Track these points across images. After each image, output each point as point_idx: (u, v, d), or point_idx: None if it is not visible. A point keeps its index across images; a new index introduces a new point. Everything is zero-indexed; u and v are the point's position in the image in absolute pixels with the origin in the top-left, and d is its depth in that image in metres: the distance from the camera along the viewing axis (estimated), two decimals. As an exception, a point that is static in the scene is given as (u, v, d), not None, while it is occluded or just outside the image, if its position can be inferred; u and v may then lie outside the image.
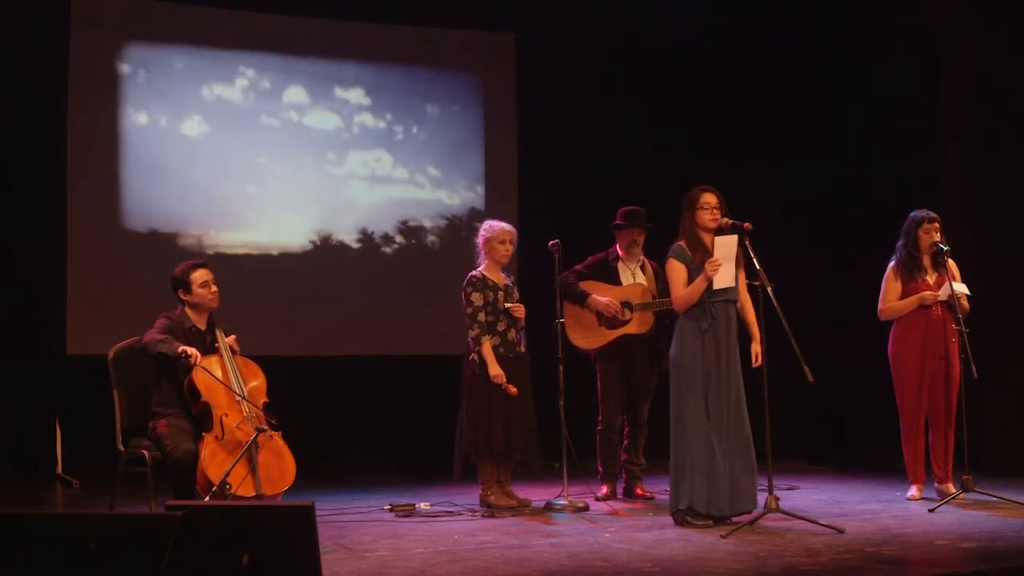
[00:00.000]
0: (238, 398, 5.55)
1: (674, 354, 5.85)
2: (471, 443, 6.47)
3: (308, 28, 8.90)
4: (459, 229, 9.09)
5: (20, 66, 7.95)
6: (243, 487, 5.26)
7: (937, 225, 6.61)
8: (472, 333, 6.48)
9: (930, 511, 6.09)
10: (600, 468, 7.00)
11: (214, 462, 5.33)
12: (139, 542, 3.39)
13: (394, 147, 9.09)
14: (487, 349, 6.43)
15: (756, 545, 5.13)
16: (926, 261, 6.66)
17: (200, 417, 5.56)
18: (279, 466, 5.51)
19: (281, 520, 3.70)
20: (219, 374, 5.59)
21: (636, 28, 9.18)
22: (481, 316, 6.47)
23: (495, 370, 6.40)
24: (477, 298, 6.48)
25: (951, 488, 6.50)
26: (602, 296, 6.84)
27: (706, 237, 5.85)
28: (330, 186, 8.91)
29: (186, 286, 5.77)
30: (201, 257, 6.34)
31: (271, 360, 6.13)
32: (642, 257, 7.01)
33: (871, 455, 8.53)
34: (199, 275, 5.78)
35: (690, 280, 5.79)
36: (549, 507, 6.46)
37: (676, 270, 5.84)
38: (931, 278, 6.63)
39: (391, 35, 9.12)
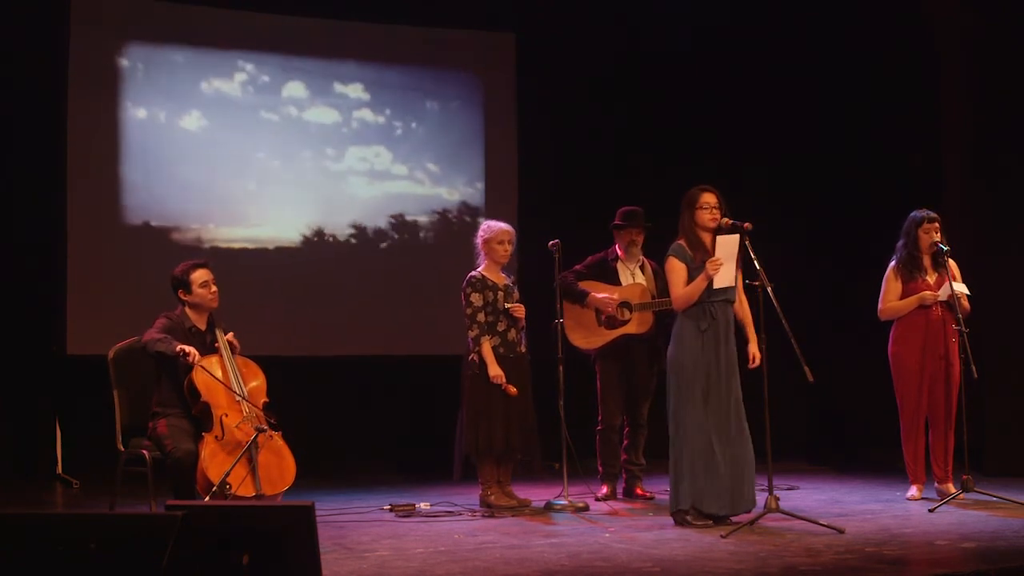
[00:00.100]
0: (238, 398, 5.55)
1: (673, 354, 5.84)
2: (471, 443, 6.47)
3: (308, 28, 8.90)
4: (460, 229, 9.09)
5: (20, 66, 7.95)
6: (243, 487, 5.26)
7: (937, 225, 6.61)
8: (472, 333, 6.48)
9: (930, 511, 6.08)
10: (600, 468, 7.00)
11: (214, 462, 5.33)
12: (139, 542, 3.39)
13: (394, 145, 9.09)
14: (487, 349, 6.43)
15: (756, 545, 5.13)
16: (926, 261, 6.66)
17: (200, 417, 5.56)
18: (279, 466, 5.51)
19: (281, 520, 3.70)
20: (219, 374, 5.59)
21: (636, 28, 9.18)
22: (480, 316, 6.47)
23: (495, 370, 6.40)
24: (476, 299, 6.48)
25: (951, 488, 6.50)
26: (600, 295, 6.84)
27: (705, 237, 5.85)
28: (329, 182, 8.92)
29: (186, 286, 5.77)
30: (201, 256, 6.34)
31: (271, 360, 6.13)
32: (641, 257, 7.01)
33: (871, 455, 8.53)
34: (199, 275, 5.78)
35: (690, 279, 5.79)
36: (549, 507, 6.46)
37: (676, 269, 5.83)
38: (931, 278, 6.63)
39: (391, 35, 9.12)
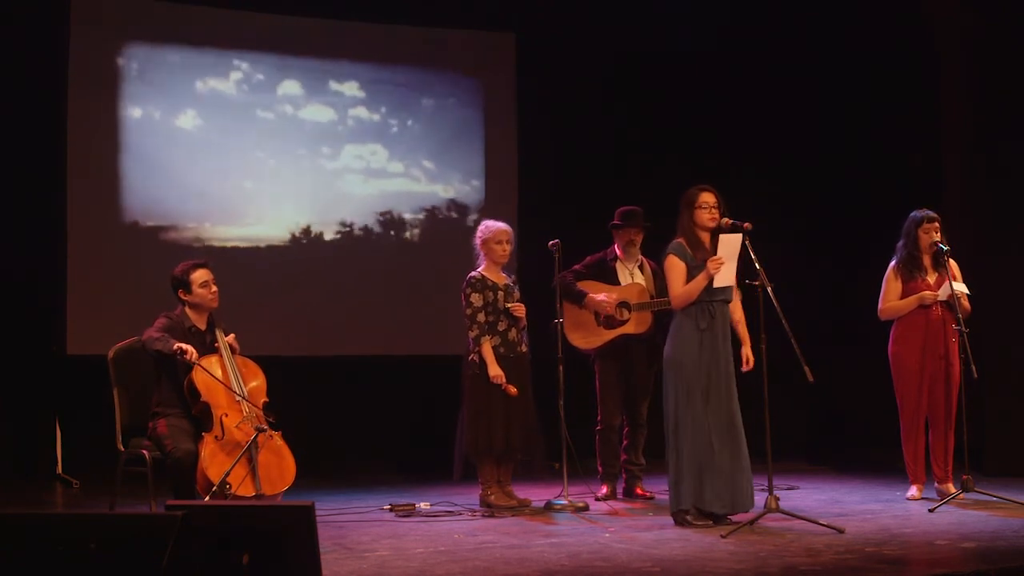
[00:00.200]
0: (238, 398, 5.55)
1: (671, 353, 5.83)
2: (471, 443, 6.47)
3: (308, 28, 8.90)
4: (460, 229, 9.08)
5: (20, 66, 7.95)
6: (243, 487, 5.25)
7: (937, 225, 6.61)
8: (472, 334, 6.48)
9: (930, 511, 6.08)
10: (600, 468, 7.00)
11: (214, 462, 5.32)
12: (139, 542, 3.39)
13: (393, 144, 9.09)
14: (487, 349, 6.44)
15: (756, 545, 5.13)
16: (926, 261, 6.66)
17: (200, 417, 5.56)
18: (279, 466, 5.51)
19: (281, 520, 3.70)
20: (219, 374, 5.59)
21: (636, 28, 9.18)
22: (480, 317, 6.47)
23: (495, 370, 6.40)
24: (476, 299, 6.48)
25: (951, 488, 6.50)
26: (599, 295, 6.85)
27: (704, 236, 5.85)
28: (327, 181, 8.91)
29: (186, 286, 5.77)
30: (201, 254, 6.34)
31: (271, 360, 6.13)
32: (640, 257, 7.01)
33: (871, 455, 8.52)
34: (199, 275, 5.78)
35: (689, 278, 5.79)
36: (549, 507, 6.46)
37: (676, 267, 5.82)
38: (931, 278, 6.63)
39: (391, 35, 9.12)
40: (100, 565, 3.35)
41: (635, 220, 6.95)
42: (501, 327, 6.51)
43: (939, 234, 6.60)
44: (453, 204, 9.23)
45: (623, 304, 6.87)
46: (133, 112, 8.35)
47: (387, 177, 9.08)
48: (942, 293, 6.52)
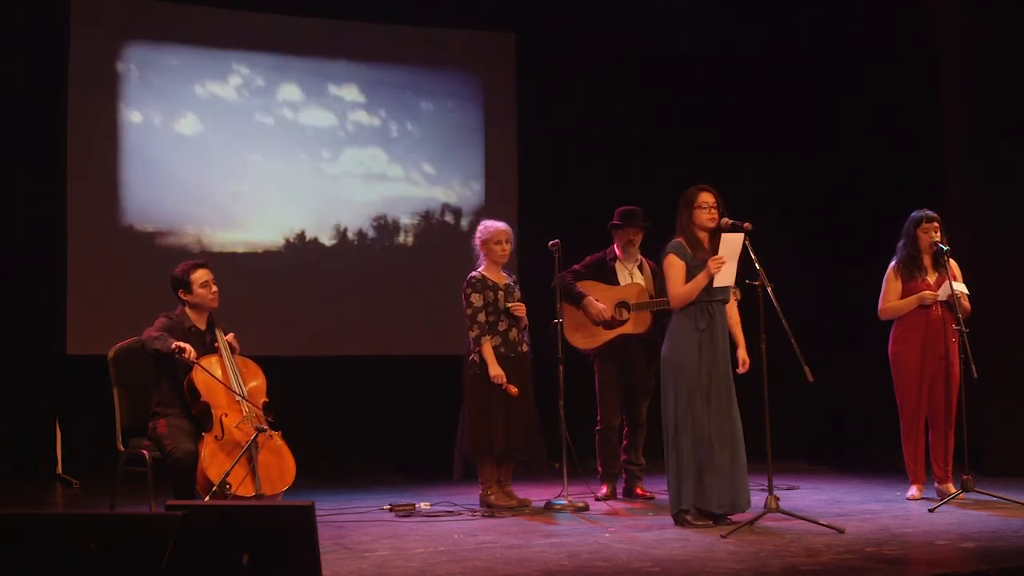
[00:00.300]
0: (238, 398, 5.55)
1: (669, 353, 5.82)
2: (471, 443, 6.47)
3: (308, 28, 8.90)
4: (459, 229, 9.09)
5: (20, 66, 7.95)
6: (243, 487, 5.25)
7: (936, 224, 6.61)
8: (472, 334, 6.49)
9: (930, 511, 6.08)
10: (600, 468, 7.00)
11: (214, 462, 5.32)
12: (139, 542, 3.39)
13: (392, 145, 9.08)
14: (487, 349, 6.44)
15: (756, 545, 5.13)
16: (926, 261, 6.66)
17: (200, 417, 5.55)
18: (279, 466, 5.51)
19: (281, 520, 3.70)
20: (219, 374, 5.59)
21: (636, 28, 9.18)
22: (481, 317, 6.47)
23: (495, 370, 6.40)
24: (476, 299, 6.48)
25: (951, 488, 6.50)
26: (599, 296, 6.85)
27: (703, 236, 5.85)
28: (328, 184, 8.90)
29: (186, 286, 5.77)
30: (201, 256, 6.34)
31: (271, 360, 6.13)
32: (640, 257, 7.01)
33: (871, 455, 8.52)
34: (200, 275, 5.78)
35: (689, 278, 5.78)
36: (549, 507, 6.46)
37: (676, 266, 5.81)
38: (931, 278, 6.63)
39: (391, 35, 9.12)
40: (100, 565, 3.35)
41: (634, 220, 6.95)
42: (502, 327, 6.51)
43: (939, 234, 6.60)
44: (453, 204, 9.23)
45: (622, 304, 6.87)
46: (133, 112, 8.35)
47: (387, 178, 9.07)
48: (942, 293, 6.52)
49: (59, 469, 7.96)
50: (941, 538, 5.31)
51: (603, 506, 6.60)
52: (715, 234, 5.84)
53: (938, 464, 6.62)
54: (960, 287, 6.51)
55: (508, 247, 6.57)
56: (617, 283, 6.94)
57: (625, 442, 7.00)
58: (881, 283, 6.75)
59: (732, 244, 5.67)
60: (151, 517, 4.03)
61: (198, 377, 5.52)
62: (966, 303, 6.53)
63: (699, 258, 5.79)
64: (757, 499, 5.92)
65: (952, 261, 6.60)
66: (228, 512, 3.91)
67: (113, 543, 3.37)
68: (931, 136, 8.63)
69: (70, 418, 8.03)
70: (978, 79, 8.23)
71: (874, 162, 9.12)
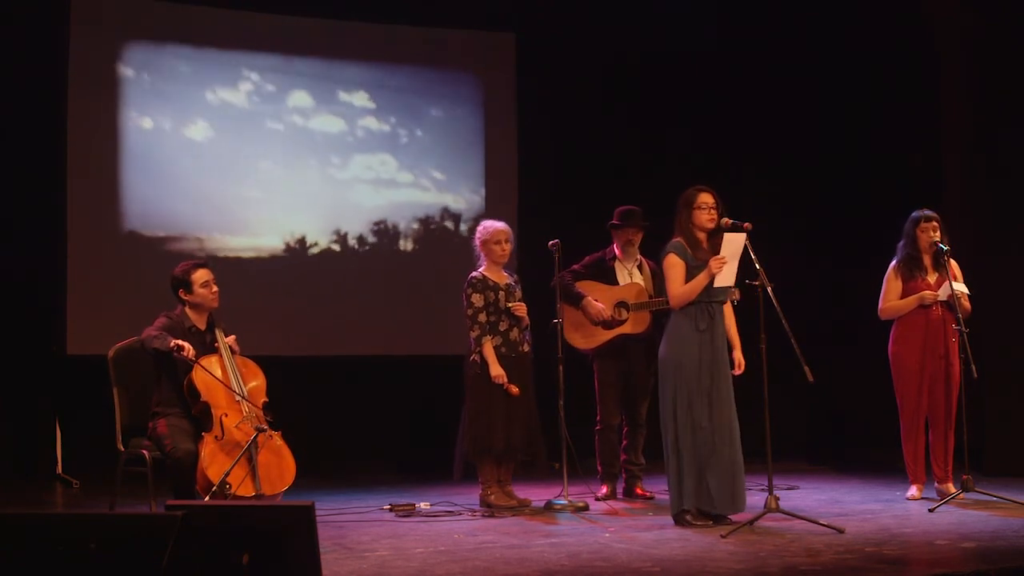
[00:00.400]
0: (238, 398, 5.55)
1: (669, 353, 5.80)
2: (471, 443, 6.47)
3: (308, 28, 8.89)
4: (460, 229, 9.09)
5: (20, 66, 7.95)
6: (243, 487, 5.25)
7: (934, 224, 6.61)
8: (473, 334, 6.49)
9: (930, 511, 6.08)
10: (600, 468, 7.00)
11: (214, 462, 5.32)
12: (139, 542, 3.39)
13: (390, 146, 9.08)
14: (488, 349, 6.44)
15: (756, 545, 5.13)
16: (927, 260, 6.66)
17: (200, 417, 5.55)
18: (279, 466, 5.51)
19: (281, 520, 3.70)
20: (219, 374, 5.59)
21: (636, 28, 9.18)
22: (481, 317, 6.47)
23: (496, 370, 6.40)
24: (477, 299, 6.49)
25: (951, 488, 6.50)
26: (598, 296, 6.85)
27: (702, 237, 5.84)
28: (332, 189, 8.90)
29: (187, 286, 5.77)
30: (202, 256, 6.33)
31: (271, 360, 6.13)
32: (639, 256, 7.01)
33: (871, 455, 8.52)
34: (200, 275, 5.78)
35: (689, 278, 5.78)
36: (549, 507, 6.46)
37: (676, 266, 5.80)
38: (932, 278, 6.63)
39: (391, 35, 9.12)
40: (100, 565, 3.35)
41: (633, 220, 6.95)
42: (503, 327, 6.51)
43: (938, 233, 6.60)
44: (453, 204, 9.23)
45: (621, 304, 6.87)
46: (133, 113, 8.35)
47: (386, 178, 9.07)
48: (942, 293, 6.52)
49: (59, 469, 7.96)
50: (941, 538, 5.31)
51: (603, 506, 6.59)
52: (713, 235, 5.84)
53: (938, 464, 6.62)
54: (960, 287, 6.51)
55: (508, 247, 6.57)
56: (616, 283, 6.94)
57: (625, 442, 7.00)
58: (881, 283, 6.75)
59: (734, 244, 5.66)
60: (151, 517, 4.03)
61: (198, 377, 5.52)
62: (966, 303, 6.53)
63: (699, 258, 5.78)
64: (757, 499, 5.92)
65: (953, 261, 6.60)
66: (228, 512, 3.91)
67: (113, 543, 3.37)
68: (931, 136, 8.63)
69: (70, 418, 8.03)
70: (978, 79, 8.23)
71: (874, 162, 9.12)
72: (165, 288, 5.89)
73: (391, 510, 6.37)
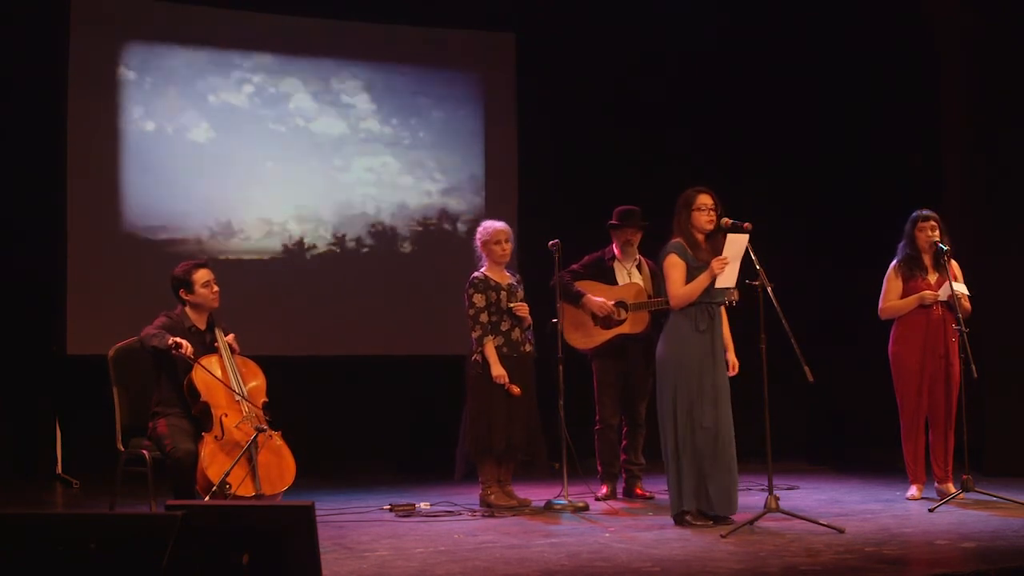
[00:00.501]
0: (237, 398, 5.55)
1: (670, 354, 5.79)
2: (472, 443, 6.47)
3: (308, 28, 8.89)
4: (460, 228, 9.09)
5: (20, 66, 7.95)
6: (243, 487, 5.25)
7: (932, 223, 6.60)
8: (475, 334, 6.49)
9: (930, 511, 6.08)
10: (599, 468, 7.00)
11: (214, 462, 5.32)
12: (139, 542, 3.39)
13: (389, 145, 9.07)
14: (490, 349, 6.44)
15: (756, 545, 5.12)
16: (927, 260, 6.66)
17: (200, 417, 5.55)
18: (279, 466, 5.51)
19: (281, 520, 3.70)
20: (219, 373, 5.59)
21: (636, 28, 9.18)
22: (483, 317, 6.47)
23: (497, 370, 6.40)
24: (479, 299, 6.49)
25: (951, 488, 6.50)
26: (597, 296, 6.85)
27: (701, 238, 5.84)
28: (333, 190, 8.89)
29: (188, 286, 5.77)
30: (202, 256, 6.33)
31: (271, 360, 6.13)
32: (639, 256, 7.00)
33: (871, 455, 8.53)
34: (201, 275, 5.79)
35: (690, 279, 5.77)
36: (549, 507, 6.46)
37: (677, 266, 5.79)
38: (932, 277, 6.63)
39: (391, 35, 9.12)
40: (100, 565, 3.35)
41: (632, 220, 6.95)
42: (504, 327, 6.51)
43: (936, 233, 6.60)
44: (453, 204, 9.22)
45: (620, 304, 6.87)
46: (133, 113, 8.35)
47: (388, 179, 9.07)
48: (942, 293, 6.52)
49: (59, 469, 7.96)
50: (941, 538, 5.31)
51: (603, 506, 6.59)
52: (712, 236, 5.83)
53: (938, 464, 6.62)
54: (960, 287, 6.51)
55: (508, 247, 6.57)
56: (615, 283, 6.94)
57: (624, 442, 7.00)
58: (881, 283, 6.75)
59: (736, 245, 5.66)
60: (151, 517, 4.03)
61: (198, 376, 5.52)
62: (966, 303, 6.53)
63: (699, 259, 5.78)
64: (757, 499, 5.92)
65: (953, 262, 6.60)
66: (228, 512, 3.91)
67: (113, 543, 3.37)
68: (931, 136, 8.64)
69: (70, 418, 8.03)
70: (978, 79, 8.23)
71: (874, 162, 9.12)
72: (165, 288, 5.89)
73: (391, 510, 6.37)
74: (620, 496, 6.95)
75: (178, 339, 5.49)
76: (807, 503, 6.53)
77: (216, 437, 5.43)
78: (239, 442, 5.39)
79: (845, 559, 4.79)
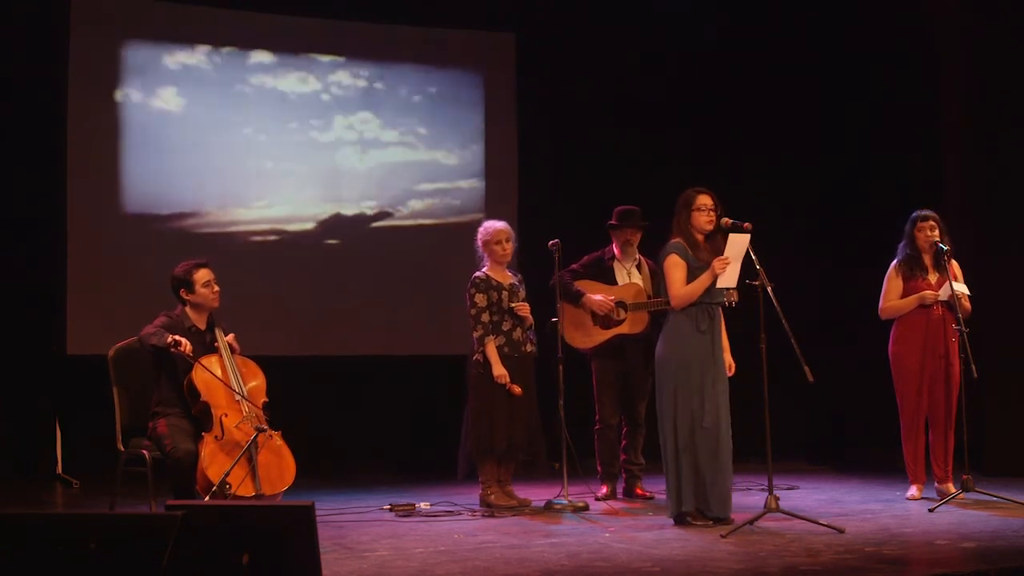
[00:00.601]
0: (237, 398, 5.55)
1: (670, 354, 5.78)
2: (473, 442, 6.48)
3: (308, 28, 8.89)
4: (460, 229, 9.07)
5: (20, 66, 7.95)
6: (243, 487, 5.25)
7: (932, 223, 6.60)
8: (476, 334, 6.49)
9: (930, 511, 6.08)
10: (599, 468, 7.00)
11: (214, 462, 5.32)
12: (139, 542, 3.39)
13: (392, 143, 9.08)
14: (491, 349, 6.44)
15: (756, 545, 5.12)
16: (927, 260, 6.66)
17: (200, 417, 5.56)
18: (279, 466, 5.51)
19: (281, 520, 3.70)
20: (219, 373, 5.59)
21: (636, 28, 9.18)
22: (484, 317, 6.48)
23: (499, 370, 6.41)
24: (480, 299, 6.49)
25: (951, 488, 6.50)
26: (596, 295, 6.85)
27: (700, 238, 5.83)
28: (334, 190, 8.90)
29: (188, 286, 5.77)
30: (202, 256, 6.29)
31: (271, 360, 6.13)
32: (638, 256, 7.00)
33: (871, 455, 8.53)
34: (202, 275, 5.79)
35: (691, 279, 5.77)
36: (549, 507, 6.46)
37: (679, 266, 5.79)
38: (932, 277, 6.63)
39: (391, 35, 9.12)
40: (100, 565, 3.35)
41: (632, 220, 6.95)
42: (506, 327, 6.51)
43: (936, 232, 6.59)
44: (453, 204, 9.23)
45: (619, 304, 6.87)
46: (134, 113, 8.35)
47: (386, 177, 9.07)
48: (943, 293, 6.52)
49: (59, 469, 7.96)
50: (941, 538, 5.31)
51: (603, 506, 6.59)
52: (711, 236, 5.83)
53: (938, 464, 6.62)
54: (961, 287, 6.51)
55: (509, 246, 6.57)
56: (615, 283, 6.93)
57: (624, 442, 7.00)
58: (881, 283, 6.75)
59: (738, 245, 5.66)
60: (151, 517, 4.03)
61: (198, 376, 5.52)
62: (967, 303, 6.52)
63: (699, 259, 5.78)
64: (757, 499, 5.92)
65: (954, 262, 6.60)
66: (228, 512, 3.91)
67: (113, 543, 3.37)
68: (931, 136, 8.63)
69: (70, 418, 8.03)
70: (978, 79, 8.23)
71: (874, 162, 9.12)
72: (165, 288, 5.89)
73: (391, 510, 6.37)
74: (620, 496, 6.95)
75: (177, 337, 5.49)
76: (807, 503, 6.53)
77: (216, 437, 5.43)
78: (239, 442, 5.39)
79: (845, 559, 4.79)
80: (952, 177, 8.42)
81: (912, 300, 6.60)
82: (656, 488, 6.83)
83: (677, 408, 5.72)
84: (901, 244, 6.72)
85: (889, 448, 7.16)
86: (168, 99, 8.45)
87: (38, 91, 8.06)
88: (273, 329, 8.29)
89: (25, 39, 8.00)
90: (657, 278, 6.59)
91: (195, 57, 8.55)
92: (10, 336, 7.94)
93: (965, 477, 6.33)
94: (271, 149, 8.74)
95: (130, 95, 8.35)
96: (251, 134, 8.69)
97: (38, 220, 8.08)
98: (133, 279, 8.08)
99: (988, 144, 8.14)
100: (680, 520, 5.73)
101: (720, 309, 5.88)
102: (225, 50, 8.65)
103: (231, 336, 5.84)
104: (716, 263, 5.66)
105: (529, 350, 6.61)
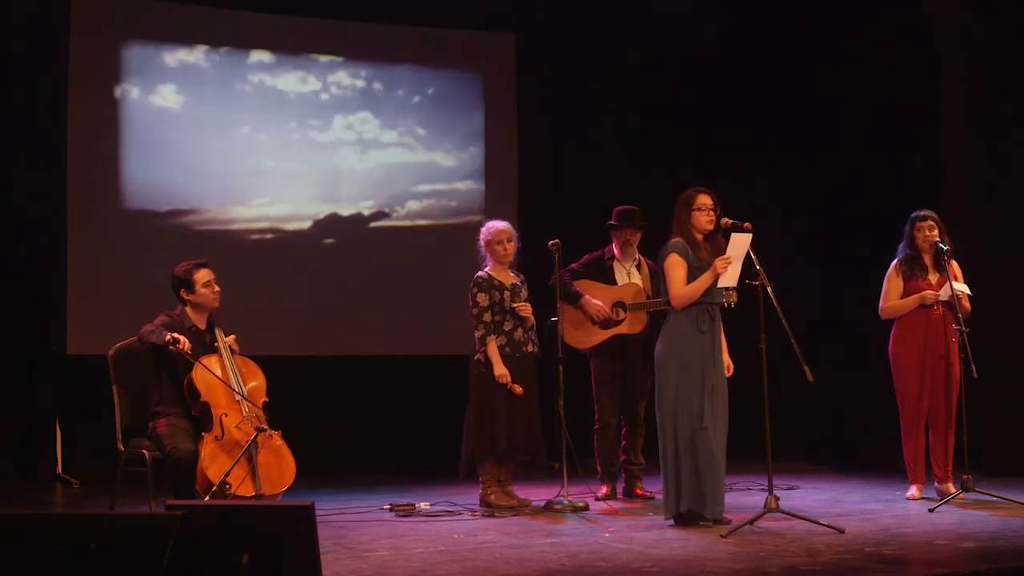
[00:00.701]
0: (237, 397, 5.55)
1: (669, 353, 5.77)
2: (474, 442, 6.48)
3: (308, 28, 8.90)
4: (461, 229, 9.08)
5: (20, 66, 7.95)
6: (243, 487, 5.25)
7: (931, 223, 6.60)
8: (477, 333, 6.49)
9: (930, 511, 6.08)
10: (599, 468, 7.00)
11: (214, 462, 5.32)
12: (139, 542, 3.39)
13: (392, 143, 9.08)
14: (492, 349, 6.44)
15: (756, 545, 5.12)
16: (927, 260, 6.66)
17: (200, 417, 5.56)
18: (279, 466, 5.51)
19: (281, 520, 3.70)
20: (219, 373, 5.59)
21: (636, 28, 9.18)
22: (486, 316, 6.48)
23: (500, 370, 6.41)
24: (482, 298, 6.49)
25: (951, 488, 6.50)
26: (595, 296, 6.85)
27: (700, 238, 5.83)
28: (334, 190, 8.90)
29: (189, 286, 5.77)
30: (202, 256, 6.29)
31: (271, 360, 6.13)
32: (638, 256, 7.00)
33: (871, 455, 8.53)
34: (202, 275, 5.79)
35: (691, 278, 5.76)
36: (549, 507, 6.46)
37: (679, 266, 5.78)
38: (932, 277, 6.63)
39: (391, 35, 9.12)
40: (100, 565, 3.35)
41: (632, 220, 6.95)
42: (507, 327, 6.51)
43: (935, 232, 6.59)
44: (453, 204, 9.23)
45: (619, 304, 6.87)
46: (133, 112, 8.35)
47: (386, 177, 9.07)
48: (943, 293, 6.52)
49: (59, 469, 7.96)
50: (941, 538, 5.31)
51: (603, 506, 6.59)
52: (711, 236, 5.83)
53: (938, 464, 6.62)
54: (961, 287, 6.51)
55: (511, 246, 6.58)
56: (615, 283, 6.93)
57: (624, 442, 7.00)
58: (881, 283, 6.75)
59: (739, 244, 5.65)
60: (151, 517, 4.03)
61: (198, 376, 5.52)
62: (967, 303, 6.52)
63: (700, 259, 5.77)
64: (757, 499, 5.92)
65: (954, 262, 6.59)
66: (228, 512, 3.91)
67: (113, 543, 3.37)
68: (931, 136, 8.63)
69: (70, 418, 8.03)
70: (978, 79, 8.23)
71: (874, 162, 9.12)
72: (165, 288, 5.89)
73: (391, 510, 6.37)
74: (620, 496, 6.95)
75: (176, 335, 5.49)
76: (807, 503, 6.53)
77: (216, 437, 5.43)
78: (239, 442, 5.39)
79: (845, 559, 4.79)
80: (952, 177, 8.42)
81: (912, 300, 6.60)
82: (656, 488, 6.82)
83: (677, 409, 5.72)
84: (901, 244, 6.72)
85: (889, 448, 7.16)
86: (168, 97, 8.46)
87: (38, 91, 8.06)
88: (273, 329, 8.29)
89: (25, 39, 8.00)
90: (657, 278, 6.58)
91: (194, 55, 8.56)
92: (10, 336, 7.94)
93: (965, 477, 6.33)
94: (271, 148, 8.75)
95: (129, 93, 8.35)
96: (250, 133, 8.70)
97: (38, 220, 8.08)
98: (133, 279, 8.08)
99: (988, 144, 8.14)
100: (679, 520, 5.73)
101: (720, 309, 5.88)
102: (224, 49, 8.65)
103: (231, 338, 5.84)
104: (718, 262, 5.66)
105: (530, 350, 6.61)
